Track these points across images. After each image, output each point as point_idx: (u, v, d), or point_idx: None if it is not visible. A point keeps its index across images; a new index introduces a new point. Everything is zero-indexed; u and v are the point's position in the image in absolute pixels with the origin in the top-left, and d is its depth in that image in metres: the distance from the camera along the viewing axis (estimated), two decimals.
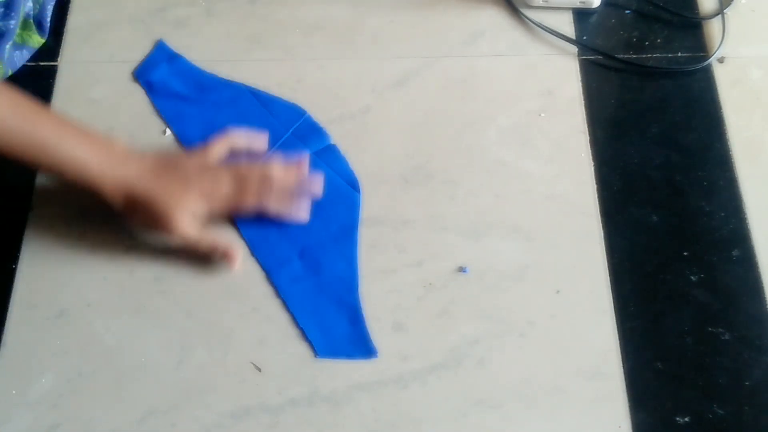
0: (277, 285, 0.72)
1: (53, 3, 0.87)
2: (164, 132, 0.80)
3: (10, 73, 0.83)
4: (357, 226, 0.75)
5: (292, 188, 0.74)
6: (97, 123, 0.81)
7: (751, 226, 0.76)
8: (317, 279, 0.73)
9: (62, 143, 0.68)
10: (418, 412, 0.68)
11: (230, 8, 0.88)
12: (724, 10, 0.88)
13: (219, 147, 0.75)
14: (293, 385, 0.69)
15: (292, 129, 0.79)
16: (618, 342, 0.70)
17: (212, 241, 0.71)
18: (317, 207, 0.75)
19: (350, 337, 0.70)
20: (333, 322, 0.71)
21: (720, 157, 0.80)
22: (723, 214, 0.77)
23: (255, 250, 0.74)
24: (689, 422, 0.67)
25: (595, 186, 0.78)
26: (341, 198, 0.76)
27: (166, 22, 0.87)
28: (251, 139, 0.77)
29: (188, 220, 0.70)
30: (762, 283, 0.73)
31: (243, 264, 0.73)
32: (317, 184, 0.75)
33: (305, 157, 0.76)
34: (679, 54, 0.86)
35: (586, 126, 0.81)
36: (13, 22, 0.82)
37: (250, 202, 0.72)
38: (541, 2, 0.87)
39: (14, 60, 0.83)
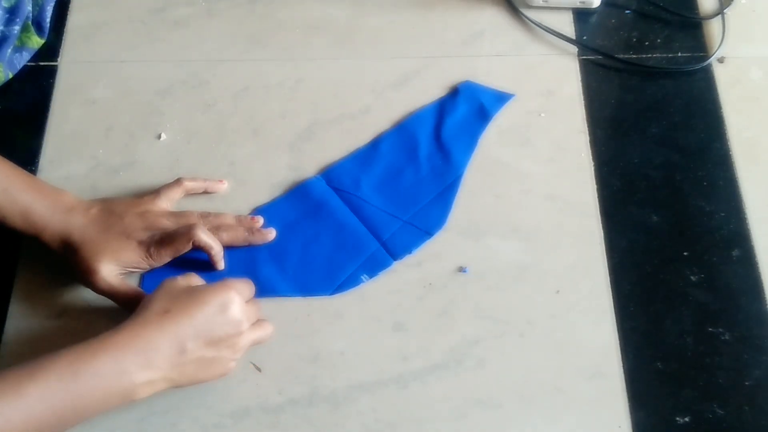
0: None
1: (52, 4, 0.87)
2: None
3: (10, 75, 0.83)
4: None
5: (241, 240, 0.74)
6: (97, 123, 0.81)
7: (751, 226, 0.76)
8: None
9: (9, 189, 0.68)
10: (418, 412, 0.68)
11: (230, 8, 0.89)
12: (724, 10, 0.88)
13: (172, 193, 0.75)
14: (293, 385, 0.69)
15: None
16: (618, 342, 0.70)
17: (129, 295, 0.69)
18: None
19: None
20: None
21: (720, 157, 0.80)
22: (723, 214, 0.77)
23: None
24: (689, 422, 0.67)
25: (595, 186, 0.78)
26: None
27: (166, 22, 0.87)
28: (207, 183, 0.77)
29: (108, 272, 0.68)
30: (762, 283, 0.73)
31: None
32: (269, 236, 0.74)
33: (259, 217, 0.75)
34: (679, 54, 0.86)
35: (586, 126, 0.81)
36: (17, 27, 0.83)
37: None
38: (541, 2, 0.87)
39: (14, 63, 0.83)
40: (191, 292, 0.64)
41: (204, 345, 0.62)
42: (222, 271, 0.72)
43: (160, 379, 0.61)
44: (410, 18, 0.88)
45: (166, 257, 0.70)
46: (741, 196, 0.78)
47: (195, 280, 0.67)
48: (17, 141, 0.80)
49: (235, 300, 0.64)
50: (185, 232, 0.69)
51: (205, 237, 0.70)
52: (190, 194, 0.77)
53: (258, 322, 0.68)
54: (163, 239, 0.70)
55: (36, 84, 0.84)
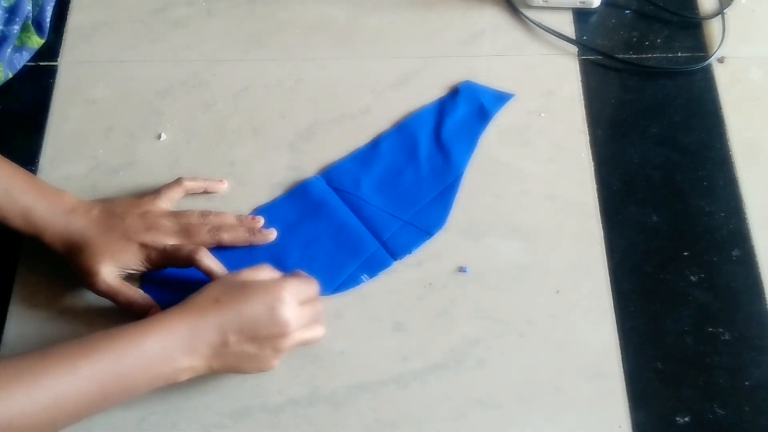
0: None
1: (52, 4, 0.87)
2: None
3: (10, 75, 0.83)
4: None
5: (242, 240, 0.73)
6: (97, 123, 0.81)
7: (751, 226, 0.76)
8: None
9: (10, 189, 0.68)
10: (418, 412, 0.68)
11: (230, 8, 0.89)
12: (724, 10, 0.88)
13: (172, 194, 0.75)
14: (293, 385, 0.69)
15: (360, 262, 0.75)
16: (618, 342, 0.70)
17: (129, 297, 0.69)
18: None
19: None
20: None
21: (720, 157, 0.80)
22: (723, 214, 0.77)
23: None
24: (689, 422, 0.67)
25: (595, 186, 0.78)
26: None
27: (166, 22, 0.87)
28: (207, 183, 0.77)
29: (108, 274, 0.68)
30: (762, 283, 0.73)
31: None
32: (270, 236, 0.74)
33: (260, 217, 0.75)
34: (679, 54, 0.86)
35: (586, 126, 0.81)
36: (16, 27, 0.83)
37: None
38: (541, 2, 0.87)
39: (14, 62, 0.83)
40: (244, 286, 0.64)
41: (246, 340, 0.62)
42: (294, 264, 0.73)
43: (203, 366, 0.62)
44: (410, 18, 0.88)
45: (164, 267, 0.70)
46: (741, 196, 0.78)
47: (265, 272, 0.67)
48: (17, 141, 0.80)
49: (285, 301, 0.63)
50: (187, 255, 0.69)
51: (207, 261, 0.69)
52: (190, 194, 0.77)
53: (311, 323, 0.67)
54: (165, 252, 0.69)
55: (36, 84, 0.84)
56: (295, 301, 0.64)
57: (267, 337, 0.63)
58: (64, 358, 0.58)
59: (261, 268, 0.67)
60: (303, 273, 0.69)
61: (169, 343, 0.60)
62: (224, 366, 0.63)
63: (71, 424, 0.59)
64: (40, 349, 0.59)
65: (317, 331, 0.67)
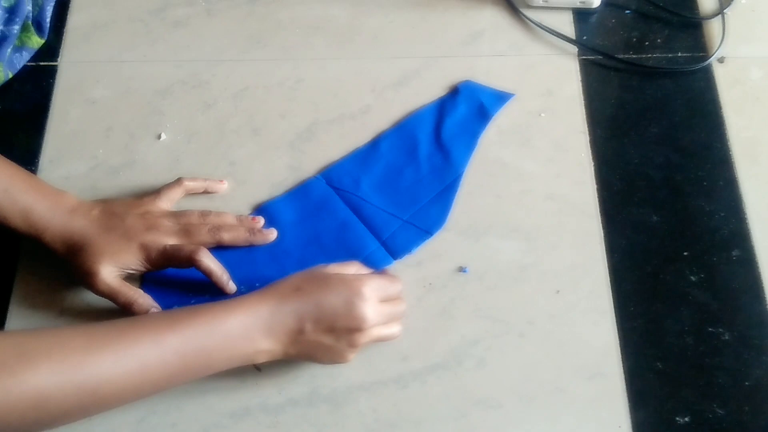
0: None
1: (52, 4, 0.87)
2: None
3: (10, 75, 0.83)
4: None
5: (242, 240, 0.73)
6: (97, 123, 0.81)
7: (751, 226, 0.76)
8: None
9: (10, 189, 0.68)
10: (418, 412, 0.68)
11: (230, 8, 0.89)
12: (724, 10, 0.88)
13: (172, 194, 0.75)
14: (293, 385, 0.69)
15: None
16: (618, 342, 0.70)
17: (130, 297, 0.69)
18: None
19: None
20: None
21: (720, 157, 0.80)
22: (723, 214, 0.77)
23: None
24: (689, 422, 0.67)
25: (595, 186, 0.78)
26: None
27: (166, 22, 0.88)
28: (207, 183, 0.77)
29: (108, 274, 0.68)
30: (762, 283, 0.73)
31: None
32: (270, 236, 0.74)
33: (260, 218, 0.75)
34: (679, 54, 0.86)
35: (586, 126, 0.81)
36: (16, 27, 0.83)
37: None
38: (541, 2, 0.87)
39: (14, 62, 0.83)
40: (327, 278, 0.65)
41: (322, 331, 0.63)
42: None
43: (279, 350, 0.63)
44: (410, 18, 0.88)
45: (164, 267, 0.70)
46: (741, 196, 0.78)
47: (352, 268, 0.68)
48: (17, 141, 0.80)
49: (364, 297, 0.64)
50: (188, 255, 0.69)
51: (207, 261, 0.69)
52: (190, 194, 0.77)
53: (389, 321, 0.67)
54: (166, 252, 0.69)
55: (36, 84, 0.84)
56: (375, 298, 0.65)
57: (343, 331, 0.63)
58: (151, 329, 0.59)
59: (349, 264, 0.69)
60: (389, 271, 0.71)
61: (250, 324, 0.62)
62: (299, 353, 0.64)
63: (153, 395, 0.61)
64: (126, 318, 0.61)
65: (393, 330, 0.68)
